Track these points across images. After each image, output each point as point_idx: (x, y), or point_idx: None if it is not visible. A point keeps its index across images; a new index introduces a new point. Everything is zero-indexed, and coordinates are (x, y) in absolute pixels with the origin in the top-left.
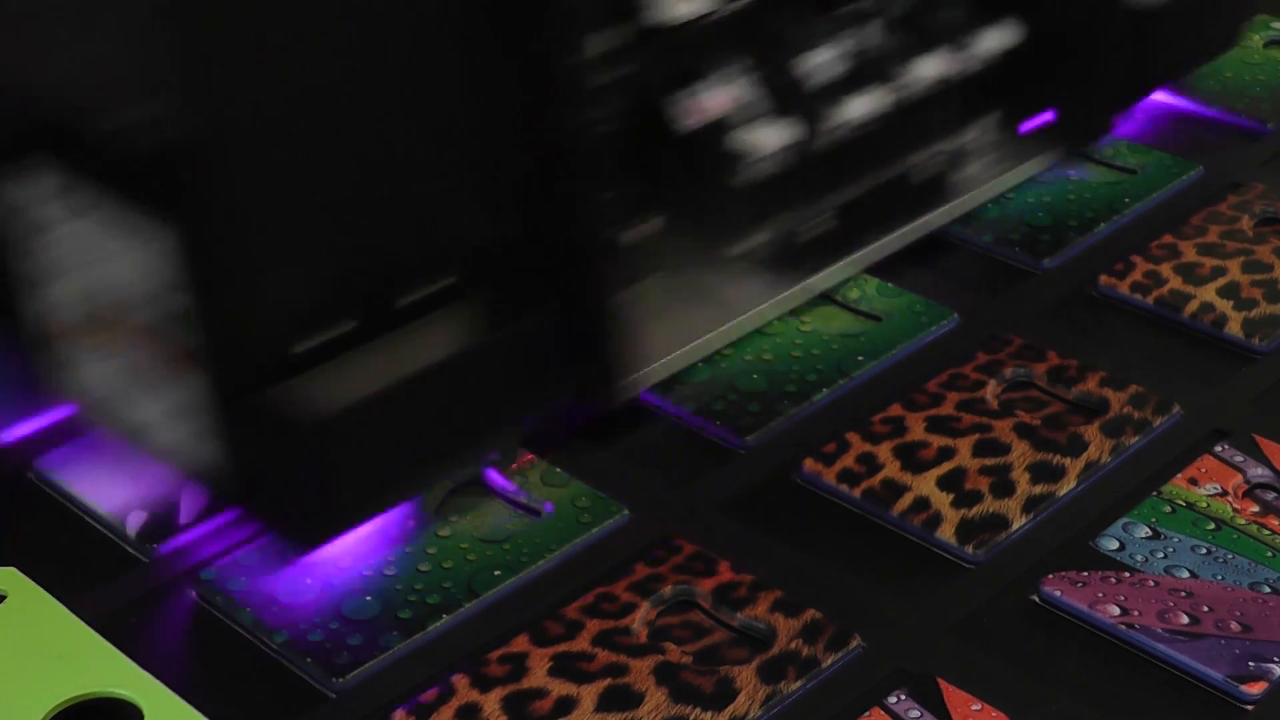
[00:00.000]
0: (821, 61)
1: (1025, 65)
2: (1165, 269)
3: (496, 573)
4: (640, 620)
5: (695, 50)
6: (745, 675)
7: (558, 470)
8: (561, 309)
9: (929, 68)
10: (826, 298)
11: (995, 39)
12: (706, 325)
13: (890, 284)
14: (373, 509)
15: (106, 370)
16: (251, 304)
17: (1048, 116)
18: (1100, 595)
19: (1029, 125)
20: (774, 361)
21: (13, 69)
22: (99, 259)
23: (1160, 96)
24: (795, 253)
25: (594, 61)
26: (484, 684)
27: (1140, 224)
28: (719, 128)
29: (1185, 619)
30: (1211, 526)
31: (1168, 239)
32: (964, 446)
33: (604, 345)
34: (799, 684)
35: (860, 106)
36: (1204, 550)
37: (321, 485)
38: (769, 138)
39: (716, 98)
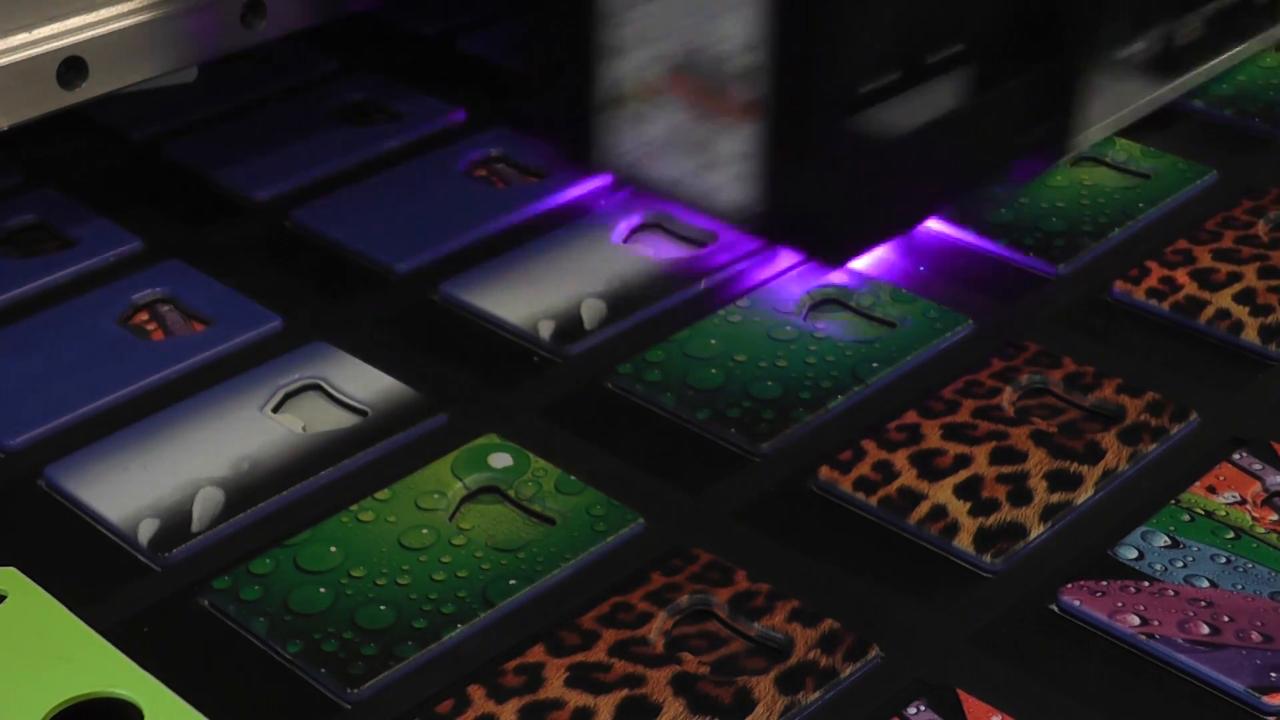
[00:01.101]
0: None
1: None
2: (1180, 274)
3: (512, 582)
4: (657, 630)
5: None
6: (763, 686)
7: (572, 478)
8: (1039, 77)
9: None
10: (841, 303)
11: None
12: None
13: (904, 289)
14: (894, 230)
15: (660, 129)
16: (835, 54)
17: None
18: (1120, 605)
19: None
20: (788, 368)
21: None
22: (683, 27)
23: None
24: (1167, 58)
25: None
26: (500, 694)
27: (1154, 229)
28: None
29: (1206, 629)
30: (1231, 535)
31: (1182, 244)
32: (980, 454)
33: (1066, 108)
34: (817, 695)
35: None
36: (1223, 559)
37: (862, 207)
38: None
39: None
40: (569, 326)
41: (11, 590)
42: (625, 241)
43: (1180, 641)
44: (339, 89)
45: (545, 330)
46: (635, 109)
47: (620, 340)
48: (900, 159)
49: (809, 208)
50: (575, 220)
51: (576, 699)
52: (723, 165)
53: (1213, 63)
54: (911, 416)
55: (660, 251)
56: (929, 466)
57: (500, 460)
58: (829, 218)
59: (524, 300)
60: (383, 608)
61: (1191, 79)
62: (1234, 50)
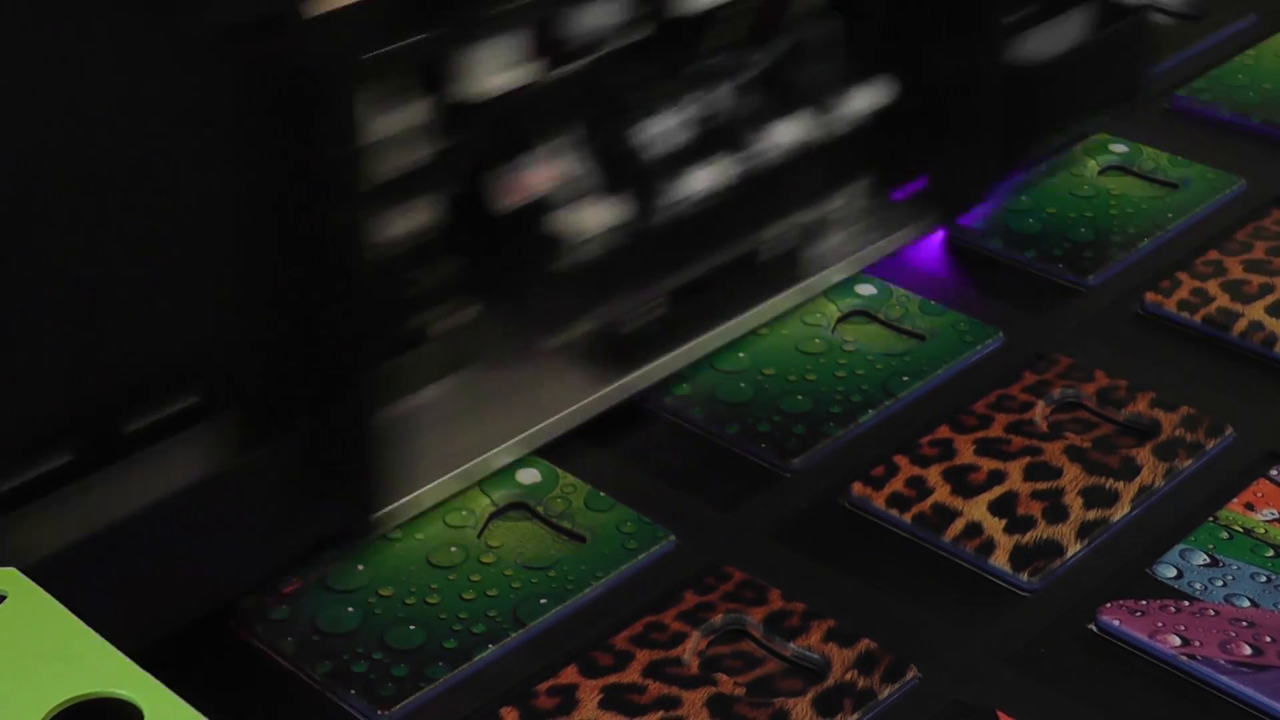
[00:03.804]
0: (662, 129)
1: (897, 127)
2: (1212, 286)
3: (543, 601)
4: (691, 650)
5: (517, 121)
6: (801, 708)
7: (601, 494)
8: (317, 430)
9: (787, 132)
10: (869, 315)
11: (864, 100)
12: (514, 428)
13: (934, 301)
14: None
15: None
16: None
17: (919, 184)
18: (1160, 625)
19: (901, 192)
20: (818, 382)
21: None
22: None
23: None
24: (620, 345)
25: (376, 148)
26: (534, 717)
27: (1184, 239)
28: (540, 207)
29: (1248, 650)
30: (1270, 553)
31: (1213, 255)
32: (1014, 470)
33: (362, 474)
34: (855, 717)
35: (705, 178)
36: (1264, 578)
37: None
38: (596, 217)
39: (538, 174)
40: None
41: (11, 590)
42: None
43: (1222, 663)
44: None
45: None
46: None
47: None
48: (88, 570)
49: None
50: None
51: None
52: None
53: (691, 345)
54: (944, 431)
55: None
56: (963, 482)
57: (528, 476)
58: None
59: None
60: (412, 627)
61: (658, 368)
62: (733, 321)
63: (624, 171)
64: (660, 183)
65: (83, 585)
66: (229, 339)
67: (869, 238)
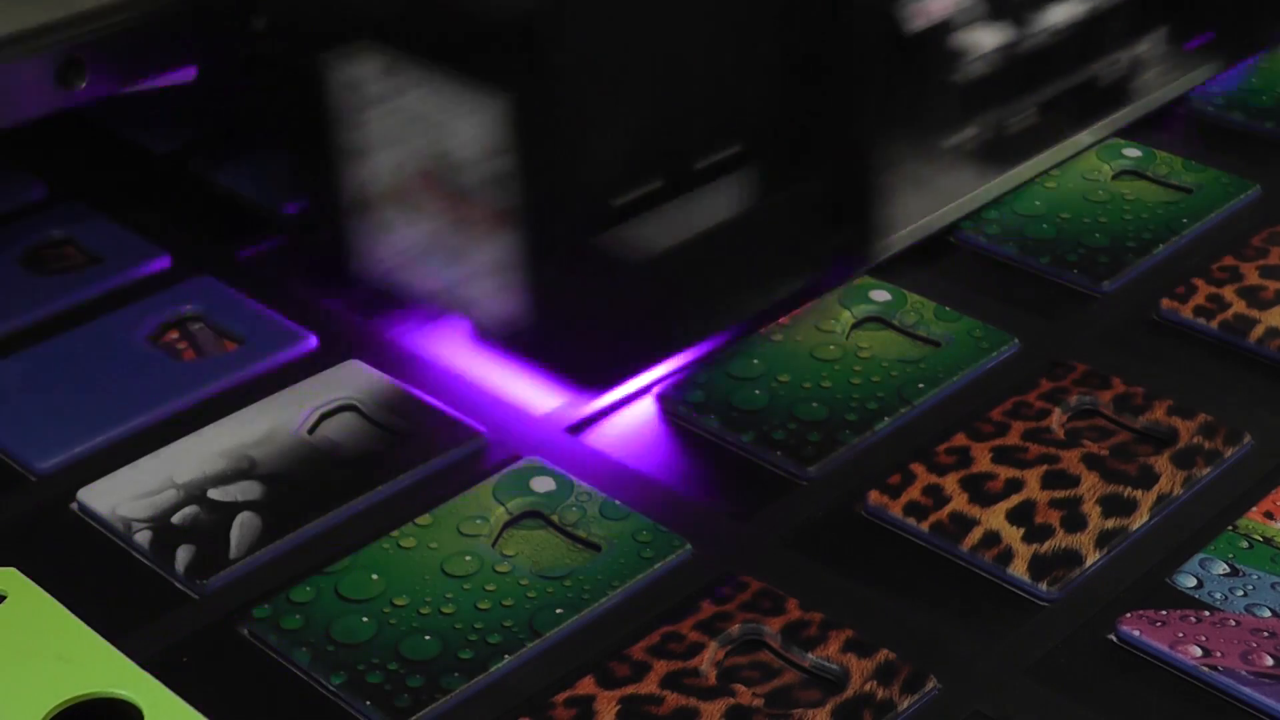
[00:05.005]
0: None
1: None
2: (1228, 292)
3: (559, 610)
4: (709, 661)
5: None
6: (820, 719)
7: (616, 503)
8: (832, 177)
9: None
10: (884, 322)
11: None
12: (926, 208)
13: (948, 308)
14: (660, 355)
15: (417, 235)
16: (579, 164)
17: (1208, 35)
18: (1180, 635)
19: (1192, 43)
20: (833, 389)
21: None
22: (423, 130)
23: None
24: (1002, 145)
25: None
26: None
27: (1199, 244)
28: (943, 29)
29: (1270, 660)
30: None
31: (1229, 260)
32: (1032, 478)
33: (866, 210)
34: None
35: (1059, 13)
36: None
37: (626, 327)
38: (985, 38)
39: (941, 1)
40: None
41: (11, 590)
42: None
43: (1244, 673)
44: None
45: None
46: (393, 211)
47: None
48: (669, 273)
49: (564, 328)
50: None
51: None
52: (481, 278)
53: (1053, 150)
54: (960, 439)
55: None
56: (980, 491)
57: (543, 484)
58: (586, 339)
59: None
60: (427, 637)
61: (1028, 168)
62: (1077, 136)
63: (1002, 3)
64: (1029, 14)
65: (669, 281)
66: (767, 104)
67: (1172, 76)
